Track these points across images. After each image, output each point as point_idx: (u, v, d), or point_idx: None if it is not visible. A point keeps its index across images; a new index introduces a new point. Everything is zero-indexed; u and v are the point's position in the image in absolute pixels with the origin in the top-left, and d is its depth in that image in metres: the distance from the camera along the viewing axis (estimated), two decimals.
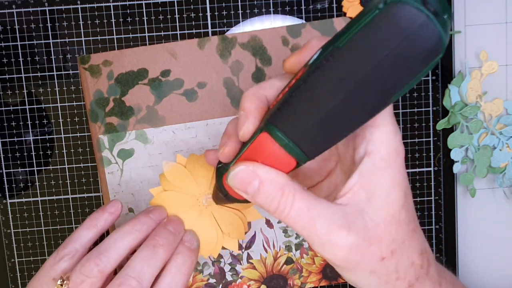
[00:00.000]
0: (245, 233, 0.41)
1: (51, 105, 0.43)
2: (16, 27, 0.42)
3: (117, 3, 0.42)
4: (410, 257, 0.28)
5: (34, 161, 0.44)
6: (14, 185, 0.44)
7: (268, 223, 0.44)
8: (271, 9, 0.43)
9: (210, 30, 0.43)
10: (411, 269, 0.29)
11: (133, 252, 0.35)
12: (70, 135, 0.43)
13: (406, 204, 0.28)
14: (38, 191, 0.44)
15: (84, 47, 0.42)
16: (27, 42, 0.42)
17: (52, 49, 0.42)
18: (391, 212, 0.27)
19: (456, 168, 0.44)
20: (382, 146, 0.27)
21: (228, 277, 0.44)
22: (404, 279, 0.28)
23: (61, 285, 0.33)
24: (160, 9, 0.42)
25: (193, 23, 0.43)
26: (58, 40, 0.42)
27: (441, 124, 0.43)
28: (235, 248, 0.38)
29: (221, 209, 0.38)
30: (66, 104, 0.43)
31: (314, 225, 0.25)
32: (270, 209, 0.26)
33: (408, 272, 0.28)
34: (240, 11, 0.43)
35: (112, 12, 0.42)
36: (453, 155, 0.44)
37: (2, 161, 0.43)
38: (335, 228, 0.25)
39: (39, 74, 0.43)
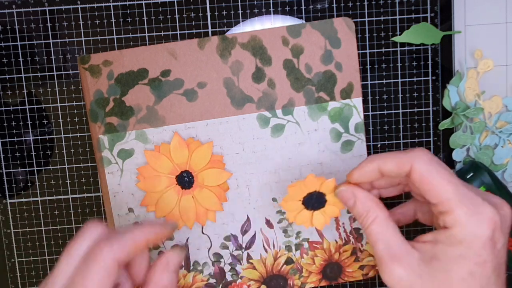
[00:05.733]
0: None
1: (51, 105, 0.43)
2: (16, 27, 0.42)
3: (117, 3, 0.42)
4: None
5: (34, 161, 0.44)
6: (14, 185, 0.44)
7: (268, 223, 0.44)
8: (271, 9, 0.43)
9: (210, 30, 0.43)
10: None
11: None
12: (70, 135, 0.43)
13: None
14: (38, 191, 0.44)
15: (84, 47, 0.43)
16: (27, 42, 0.42)
17: (52, 49, 0.42)
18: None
19: (457, 169, 0.44)
20: (459, 229, 0.30)
21: (228, 277, 0.44)
22: None
23: None
24: (160, 9, 0.42)
25: (193, 23, 0.43)
26: (58, 40, 0.42)
27: (444, 124, 0.43)
28: (214, 219, 0.43)
29: (197, 187, 0.43)
30: (66, 104, 0.43)
31: (376, 247, 0.32)
32: (358, 220, 0.34)
33: None
34: (240, 11, 0.43)
35: (112, 12, 0.42)
36: (455, 155, 0.44)
37: (2, 161, 0.44)
38: (389, 258, 0.32)
39: (39, 74, 0.43)
